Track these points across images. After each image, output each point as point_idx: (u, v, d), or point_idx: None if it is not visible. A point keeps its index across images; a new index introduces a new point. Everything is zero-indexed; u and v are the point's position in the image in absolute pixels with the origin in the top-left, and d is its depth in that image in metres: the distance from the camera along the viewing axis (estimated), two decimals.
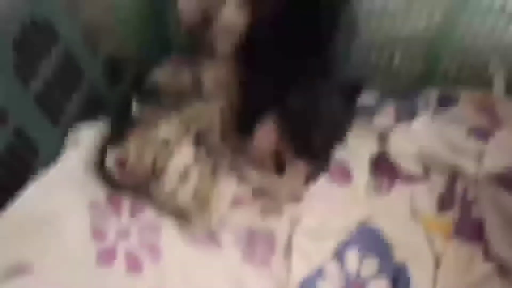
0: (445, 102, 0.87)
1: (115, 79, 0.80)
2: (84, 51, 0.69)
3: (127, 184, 0.61)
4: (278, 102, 0.71)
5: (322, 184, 0.78)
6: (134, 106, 0.65)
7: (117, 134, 0.63)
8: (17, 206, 0.52)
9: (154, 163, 0.61)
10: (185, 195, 0.68)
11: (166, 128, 0.62)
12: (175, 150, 0.62)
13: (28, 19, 0.57)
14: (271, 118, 0.75)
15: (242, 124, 0.77)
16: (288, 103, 0.70)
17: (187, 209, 0.69)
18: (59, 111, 0.64)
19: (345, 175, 0.80)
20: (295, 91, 0.70)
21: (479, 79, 0.90)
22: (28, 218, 0.51)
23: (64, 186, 0.57)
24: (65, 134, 0.64)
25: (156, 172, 0.62)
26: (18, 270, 0.48)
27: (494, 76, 0.88)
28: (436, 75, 0.90)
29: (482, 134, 0.85)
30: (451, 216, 0.75)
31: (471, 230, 0.73)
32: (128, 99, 0.76)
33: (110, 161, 0.58)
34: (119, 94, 0.80)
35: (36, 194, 0.54)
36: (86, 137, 0.63)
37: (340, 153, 0.82)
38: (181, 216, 0.69)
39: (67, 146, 0.62)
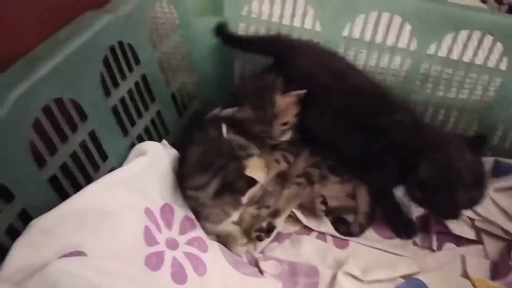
0: (500, 170, 0.86)
1: (180, 111, 0.86)
2: (159, 79, 0.77)
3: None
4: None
5: (369, 234, 0.78)
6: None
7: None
8: (82, 196, 0.55)
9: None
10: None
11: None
12: None
13: (116, 42, 0.65)
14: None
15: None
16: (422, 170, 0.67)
17: (233, 233, 0.70)
18: (130, 124, 0.70)
19: None
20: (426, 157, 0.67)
21: None
22: (89, 208, 0.54)
23: (125, 188, 0.60)
24: (131, 145, 0.69)
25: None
26: (73, 253, 0.50)
27: None
28: (491, 143, 0.90)
29: None
30: (505, 284, 0.70)
31: None
32: (189, 131, 0.83)
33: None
34: (182, 125, 0.86)
35: (100, 190, 0.57)
36: (152, 151, 0.66)
37: None
38: (226, 239, 0.69)
39: (132, 155, 0.67)
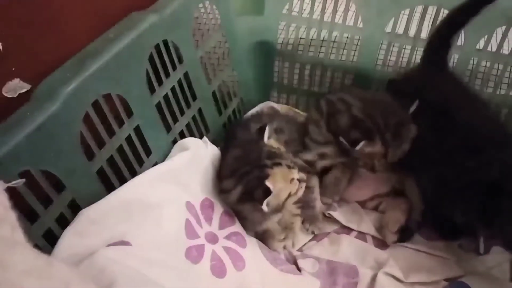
0: None
1: (220, 109, 0.88)
2: (200, 77, 0.79)
3: None
4: None
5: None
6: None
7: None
8: (127, 189, 0.57)
9: None
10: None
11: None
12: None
13: (161, 40, 0.67)
14: None
15: None
16: None
17: (272, 230, 0.70)
18: (172, 120, 0.72)
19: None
20: None
21: None
22: (134, 200, 0.56)
23: (167, 182, 0.61)
24: (174, 141, 0.71)
25: None
26: (118, 242, 0.52)
27: None
28: None
29: None
30: None
31: None
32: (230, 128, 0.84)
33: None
34: (222, 123, 0.88)
35: (144, 183, 0.59)
36: (194, 147, 0.68)
37: None
38: (264, 235, 0.70)
39: (174, 151, 0.69)
